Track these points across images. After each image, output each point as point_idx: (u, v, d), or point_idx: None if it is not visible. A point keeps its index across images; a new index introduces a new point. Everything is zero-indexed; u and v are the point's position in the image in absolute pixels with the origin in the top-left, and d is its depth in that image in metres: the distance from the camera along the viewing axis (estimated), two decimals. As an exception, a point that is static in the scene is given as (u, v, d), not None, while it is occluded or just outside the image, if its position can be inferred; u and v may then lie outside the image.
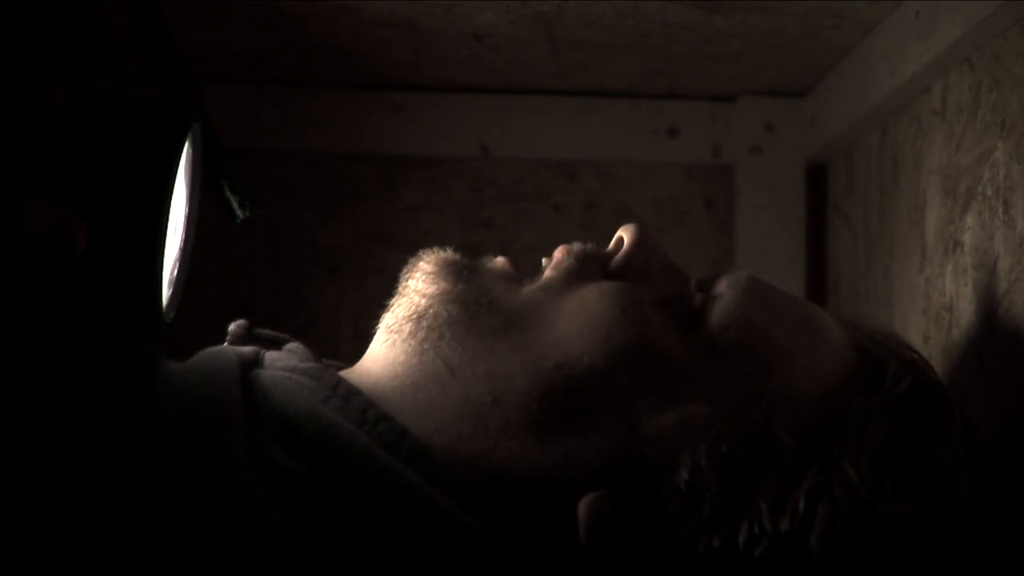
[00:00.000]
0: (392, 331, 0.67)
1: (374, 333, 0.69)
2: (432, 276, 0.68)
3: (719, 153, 1.21)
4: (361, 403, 0.62)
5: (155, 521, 0.51)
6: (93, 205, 0.59)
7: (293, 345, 0.71)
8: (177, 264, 0.69)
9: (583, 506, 0.60)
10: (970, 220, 0.82)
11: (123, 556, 0.50)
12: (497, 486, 0.61)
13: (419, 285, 0.68)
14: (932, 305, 0.89)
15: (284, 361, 0.67)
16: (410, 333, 0.66)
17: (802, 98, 1.18)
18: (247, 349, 0.68)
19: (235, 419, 0.58)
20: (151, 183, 0.60)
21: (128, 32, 0.66)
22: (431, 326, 0.66)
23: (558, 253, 0.69)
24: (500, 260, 0.69)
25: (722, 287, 0.68)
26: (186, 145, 0.64)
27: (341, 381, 0.64)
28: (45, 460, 0.50)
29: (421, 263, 0.69)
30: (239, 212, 0.74)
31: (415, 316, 0.66)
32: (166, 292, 0.67)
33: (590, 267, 0.68)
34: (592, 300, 0.65)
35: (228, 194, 0.73)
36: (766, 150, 1.19)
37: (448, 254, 0.69)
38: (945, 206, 0.87)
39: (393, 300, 0.69)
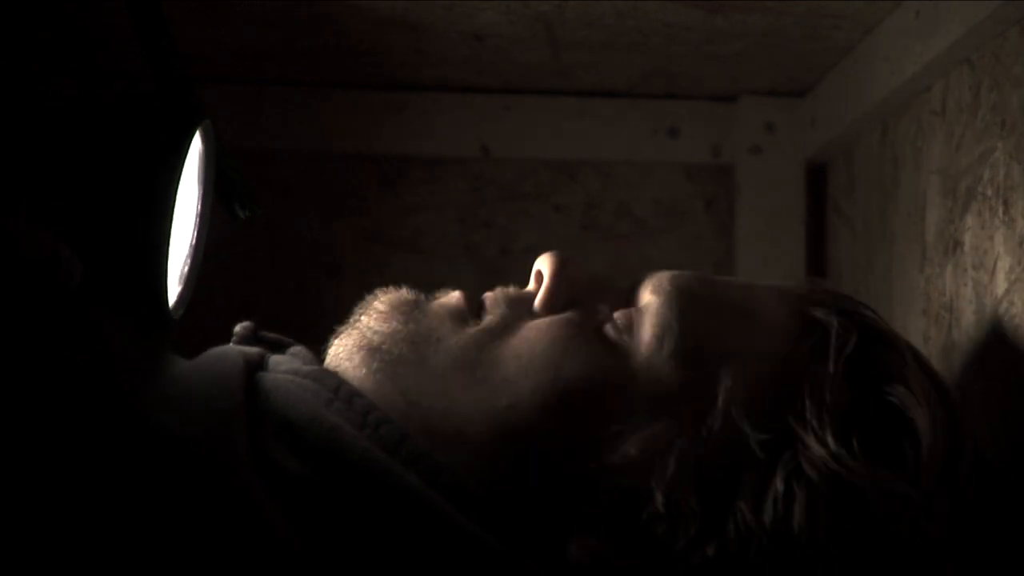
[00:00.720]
0: (342, 359, 0.67)
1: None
2: (384, 315, 0.68)
3: (719, 153, 1.21)
4: (363, 406, 0.62)
5: (154, 521, 0.51)
6: (97, 204, 0.59)
7: (297, 348, 0.71)
8: (188, 261, 0.69)
9: (575, 550, 0.61)
10: (970, 220, 0.82)
11: (122, 555, 0.50)
12: (492, 498, 0.61)
13: (371, 323, 0.68)
14: (932, 305, 0.89)
15: (288, 364, 0.67)
16: (362, 362, 0.66)
17: (802, 98, 1.18)
18: (252, 350, 0.68)
19: (237, 421, 0.58)
20: (156, 179, 0.60)
21: (128, 32, 0.66)
22: (384, 360, 0.66)
23: (488, 299, 0.69)
24: (455, 296, 0.69)
25: (647, 295, 0.67)
26: (195, 142, 0.65)
27: (343, 384, 0.64)
28: (42, 461, 0.50)
29: (376, 302, 0.69)
30: (239, 212, 0.74)
31: (368, 347, 0.67)
32: (177, 289, 0.67)
33: (522, 309, 0.68)
34: (533, 339, 0.65)
35: (229, 195, 0.73)
36: (766, 150, 1.19)
37: (402, 293, 0.69)
38: (945, 206, 0.87)
39: (341, 330, 0.69)
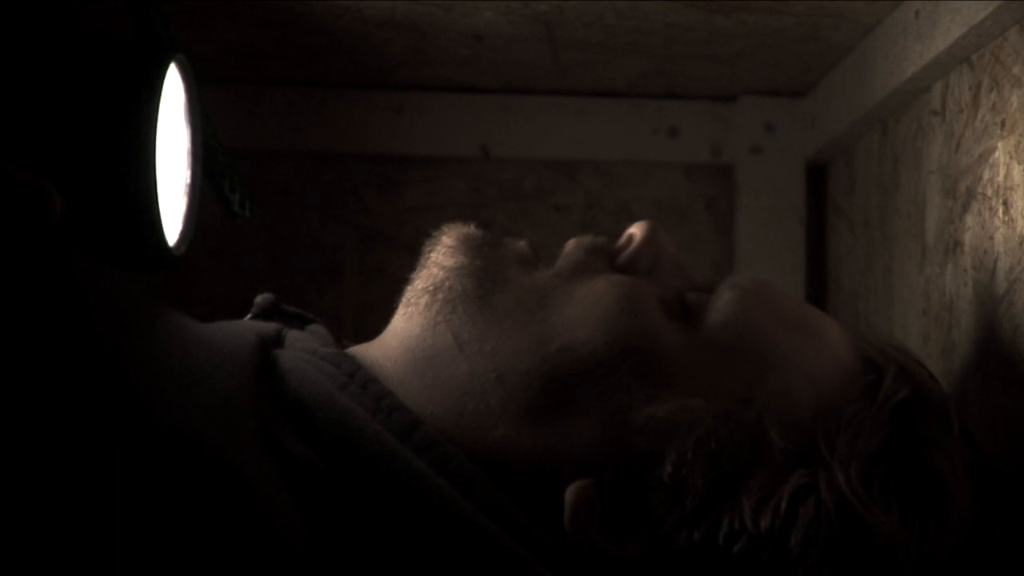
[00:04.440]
0: (410, 303, 0.68)
1: (376, 331, 0.69)
2: (452, 249, 0.69)
3: (719, 153, 1.21)
4: (378, 391, 0.62)
5: (150, 523, 0.49)
6: (76, 142, 0.59)
7: (316, 327, 0.71)
8: (186, 200, 0.69)
9: (570, 492, 0.61)
10: (970, 220, 0.82)
11: (116, 557, 0.48)
12: (494, 471, 0.61)
13: (439, 258, 0.69)
14: (932, 305, 0.89)
15: (305, 343, 0.67)
16: (426, 306, 0.67)
17: (802, 98, 1.18)
18: (270, 326, 0.68)
19: (245, 404, 0.57)
20: (132, 113, 0.60)
21: (128, 31, 0.66)
22: (445, 299, 0.67)
23: (570, 244, 0.71)
24: (522, 243, 0.70)
25: (725, 287, 0.68)
26: (175, 79, 0.64)
27: (360, 368, 0.64)
28: (22, 449, 0.46)
29: (444, 237, 0.70)
30: (239, 212, 0.74)
31: (432, 288, 0.68)
32: (178, 227, 0.66)
33: (599, 260, 0.70)
34: (600, 290, 0.66)
35: (228, 193, 0.73)
36: (766, 150, 1.19)
37: (471, 229, 0.70)
38: (945, 206, 0.87)
39: (415, 273, 0.70)
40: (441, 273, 0.68)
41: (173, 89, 0.65)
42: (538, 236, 1.20)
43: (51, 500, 0.46)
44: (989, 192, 0.79)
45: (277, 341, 0.67)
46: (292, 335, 0.68)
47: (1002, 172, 0.77)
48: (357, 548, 0.57)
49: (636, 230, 0.72)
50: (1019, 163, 0.75)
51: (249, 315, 0.73)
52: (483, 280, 0.67)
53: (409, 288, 0.69)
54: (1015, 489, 0.71)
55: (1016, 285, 0.75)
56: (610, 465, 0.62)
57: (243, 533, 0.51)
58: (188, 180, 0.69)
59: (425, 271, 0.69)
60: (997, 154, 0.78)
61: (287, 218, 1.19)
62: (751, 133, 1.19)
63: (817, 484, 0.61)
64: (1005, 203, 0.76)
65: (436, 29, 1.00)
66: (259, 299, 0.74)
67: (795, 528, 0.60)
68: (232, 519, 0.51)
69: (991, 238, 0.78)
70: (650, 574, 0.61)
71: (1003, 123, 0.77)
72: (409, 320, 0.67)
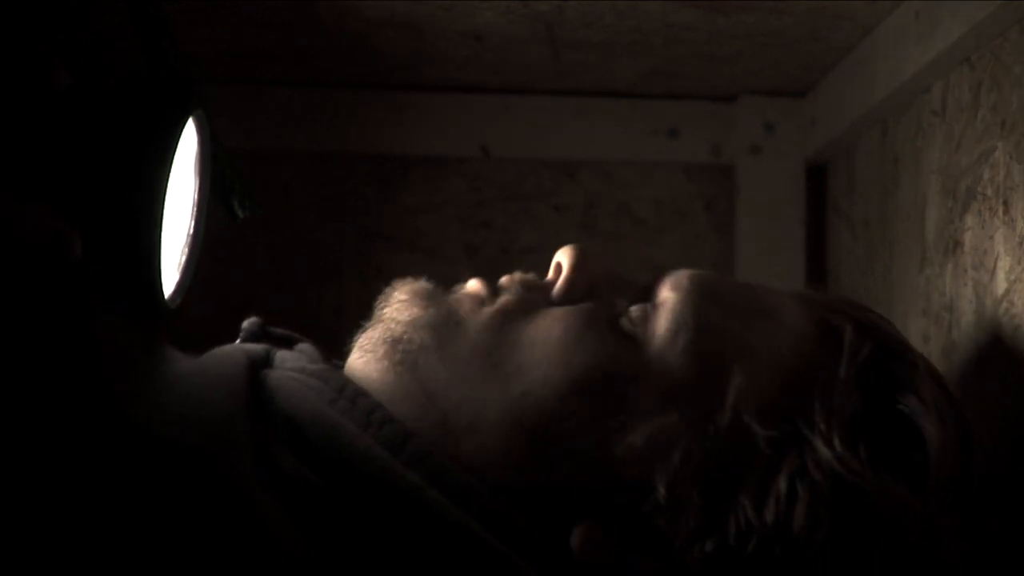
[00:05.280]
0: (366, 350, 0.67)
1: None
2: (405, 304, 0.68)
3: (719, 153, 1.21)
4: (368, 404, 0.62)
5: (152, 538, 0.50)
6: (88, 188, 0.59)
7: (304, 346, 0.71)
8: (186, 250, 0.69)
9: (575, 537, 0.61)
10: (970, 220, 0.82)
11: (125, 551, 0.49)
12: (498, 495, 0.61)
13: (393, 313, 0.68)
14: (932, 305, 0.89)
15: (294, 362, 0.67)
16: (384, 354, 0.66)
17: (802, 98, 1.18)
18: (258, 347, 0.68)
19: (242, 427, 0.58)
20: (146, 162, 0.60)
21: (128, 32, 0.66)
22: (406, 350, 0.66)
23: (503, 283, 0.70)
24: (473, 283, 0.70)
25: (665, 292, 0.67)
26: (190, 132, 0.65)
27: (348, 383, 0.64)
28: (30, 470, 0.48)
29: (395, 293, 0.70)
30: (239, 212, 0.74)
31: (391, 339, 0.67)
32: (175, 277, 0.67)
33: (535, 296, 0.69)
34: (546, 328, 0.66)
35: (228, 194, 0.73)
36: (766, 150, 1.19)
37: (420, 283, 0.70)
38: (945, 206, 0.87)
39: (368, 324, 0.69)
40: (399, 327, 0.67)
41: (187, 139, 0.65)
42: (538, 236, 1.20)
43: (52, 513, 0.48)
44: (989, 192, 0.79)
45: (266, 362, 0.67)
46: (281, 355, 0.68)
47: (1002, 172, 0.77)
48: (352, 562, 0.57)
49: (562, 258, 0.70)
50: (1019, 163, 0.75)
51: (239, 340, 0.73)
52: (438, 328, 0.66)
53: (364, 335, 0.69)
54: (1015, 489, 0.71)
55: (1016, 285, 0.75)
56: (606, 502, 0.62)
57: (241, 543, 0.52)
58: (191, 231, 0.69)
59: (381, 325, 0.68)
60: (997, 154, 0.78)
61: (287, 218, 1.19)
62: (751, 133, 1.19)
63: (807, 464, 0.61)
64: (1005, 203, 0.76)
65: (436, 29, 1.00)
66: (246, 324, 0.74)
67: (795, 514, 0.60)
68: (229, 528, 0.51)
69: (991, 238, 0.78)
70: None
71: (1003, 123, 0.77)
72: (366, 365, 0.67)
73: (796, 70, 1.10)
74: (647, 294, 0.68)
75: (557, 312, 0.67)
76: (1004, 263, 0.76)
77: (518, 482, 0.62)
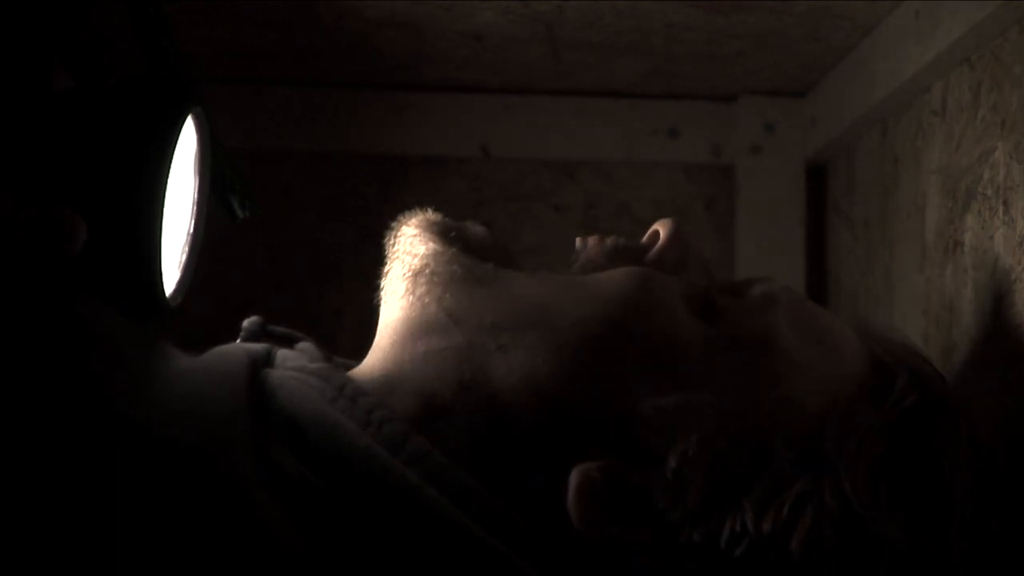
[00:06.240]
0: (388, 293, 0.68)
1: (375, 334, 0.69)
2: (419, 237, 0.69)
3: (719, 153, 1.21)
4: (368, 403, 0.62)
5: (151, 539, 0.50)
6: (93, 188, 0.59)
7: (305, 344, 0.71)
8: (186, 250, 0.69)
9: (575, 474, 0.60)
10: (970, 220, 0.82)
11: (125, 551, 0.49)
12: (496, 445, 0.61)
13: (408, 247, 0.69)
14: (932, 305, 0.89)
15: (294, 360, 0.67)
16: (407, 290, 0.67)
17: (802, 98, 1.18)
18: (259, 346, 0.68)
19: (242, 426, 0.58)
20: (148, 163, 0.60)
21: (128, 32, 0.66)
22: (430, 282, 0.67)
23: (592, 245, 0.71)
24: (479, 229, 0.71)
25: (756, 293, 0.68)
26: (189, 131, 0.65)
27: (348, 381, 0.64)
28: (28, 470, 0.48)
29: (404, 227, 0.71)
30: (239, 212, 0.74)
31: (410, 273, 0.67)
32: (176, 277, 0.67)
33: (622, 260, 0.69)
34: (619, 274, 0.67)
35: (228, 194, 0.73)
36: (766, 150, 1.19)
37: (430, 214, 0.71)
38: (945, 206, 0.87)
39: (384, 268, 0.70)
40: (417, 260, 0.68)
41: (186, 138, 0.65)
42: (538, 236, 1.20)
43: (52, 513, 0.47)
44: (989, 192, 0.79)
45: (267, 361, 0.67)
46: (281, 354, 0.68)
47: (1002, 172, 0.77)
48: (352, 561, 0.57)
49: (661, 227, 0.71)
50: (1019, 163, 0.75)
51: (239, 339, 0.73)
52: (472, 267, 0.67)
53: (383, 285, 0.69)
54: (1016, 489, 0.71)
55: (1016, 285, 0.75)
56: (614, 451, 0.61)
57: (240, 543, 0.51)
58: (191, 230, 0.69)
59: (397, 261, 0.69)
60: (997, 154, 0.78)
61: (287, 218, 1.19)
62: (751, 133, 1.19)
63: (821, 489, 0.61)
64: (1005, 203, 0.76)
65: (436, 29, 1.00)
66: (247, 323, 0.74)
67: (796, 532, 0.60)
68: (229, 528, 0.51)
69: (991, 238, 0.78)
70: (652, 575, 0.61)
71: (1003, 123, 0.77)
72: (390, 309, 0.67)
73: (796, 70, 1.10)
74: (736, 289, 0.69)
75: (638, 268, 0.68)
76: (1004, 263, 0.76)
77: (534, 407, 0.62)
